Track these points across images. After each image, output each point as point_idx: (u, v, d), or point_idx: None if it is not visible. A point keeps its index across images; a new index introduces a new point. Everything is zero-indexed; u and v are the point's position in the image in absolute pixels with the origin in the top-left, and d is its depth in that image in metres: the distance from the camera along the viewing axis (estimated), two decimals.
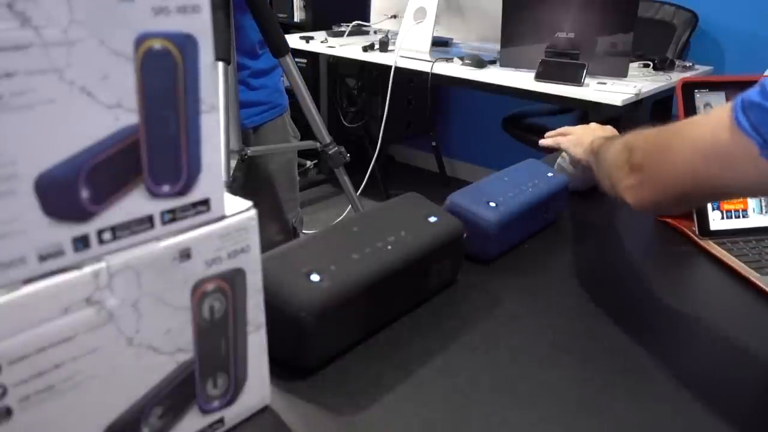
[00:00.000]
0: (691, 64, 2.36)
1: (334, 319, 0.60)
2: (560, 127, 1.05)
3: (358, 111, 3.04)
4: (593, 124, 1.02)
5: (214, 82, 0.45)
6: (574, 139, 0.97)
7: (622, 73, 2.09)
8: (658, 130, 0.66)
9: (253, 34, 1.52)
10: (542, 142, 1.05)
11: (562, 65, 2.09)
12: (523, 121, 2.64)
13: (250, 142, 1.61)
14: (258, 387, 0.54)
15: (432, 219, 0.74)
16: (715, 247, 0.87)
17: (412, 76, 2.39)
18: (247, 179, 1.60)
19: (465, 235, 0.76)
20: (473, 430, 0.55)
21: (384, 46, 2.49)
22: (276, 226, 1.68)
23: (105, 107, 0.39)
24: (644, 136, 0.67)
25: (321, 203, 3.11)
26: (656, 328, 0.71)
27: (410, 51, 2.36)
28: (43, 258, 0.38)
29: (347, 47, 2.60)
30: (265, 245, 0.54)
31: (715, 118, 0.58)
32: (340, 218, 1.82)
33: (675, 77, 2.18)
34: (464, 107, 3.35)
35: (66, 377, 0.40)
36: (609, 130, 0.97)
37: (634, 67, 2.21)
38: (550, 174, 0.92)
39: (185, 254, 0.45)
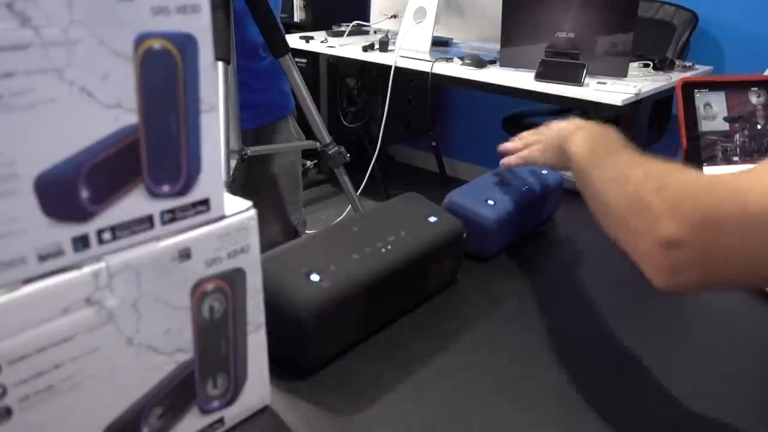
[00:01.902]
0: (691, 64, 2.36)
1: (334, 319, 0.60)
2: None
3: (358, 111, 3.04)
4: (574, 122, 0.77)
5: (214, 82, 0.45)
6: (541, 147, 0.79)
7: (622, 73, 2.09)
8: (698, 186, 0.47)
9: (255, 35, 1.52)
10: (503, 162, 0.85)
11: (562, 65, 2.09)
12: (523, 121, 2.64)
13: (251, 144, 1.60)
14: (258, 387, 0.54)
15: (432, 219, 0.74)
16: None
17: (412, 76, 2.39)
18: (248, 179, 1.60)
19: (464, 235, 0.76)
20: (473, 430, 0.55)
21: (384, 46, 2.49)
22: (278, 228, 1.68)
23: (105, 107, 0.39)
24: (677, 194, 0.47)
25: (321, 203, 3.11)
26: (656, 327, 0.71)
27: (410, 51, 2.36)
28: (42, 258, 0.38)
29: (347, 47, 2.60)
30: (266, 246, 0.54)
31: None
32: (340, 218, 1.82)
33: (675, 77, 2.18)
34: (464, 107, 3.35)
35: (66, 377, 0.40)
36: (587, 127, 0.73)
37: (634, 67, 2.21)
38: (544, 171, 0.93)
39: (185, 254, 0.45)
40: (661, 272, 0.48)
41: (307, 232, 1.80)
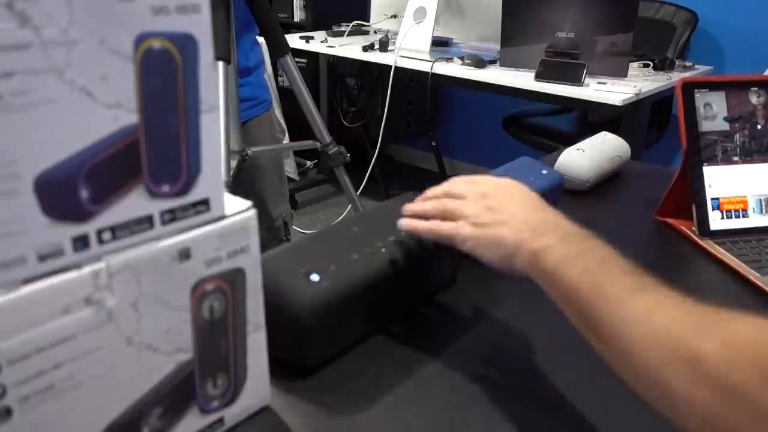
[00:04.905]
0: (691, 63, 2.36)
1: (334, 319, 0.60)
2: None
3: (358, 111, 3.04)
4: (507, 186, 0.62)
5: (214, 82, 0.45)
6: (476, 233, 0.58)
7: (622, 73, 2.09)
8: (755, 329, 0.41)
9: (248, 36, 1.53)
10: (402, 224, 0.65)
11: (562, 65, 2.09)
12: (523, 121, 2.64)
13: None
14: (258, 387, 0.54)
15: None
16: (715, 247, 0.87)
17: (412, 76, 2.39)
18: (237, 173, 1.60)
19: None
20: (473, 430, 0.55)
21: (384, 45, 2.49)
22: (268, 220, 1.68)
23: (105, 107, 0.39)
24: (737, 338, 0.42)
25: (321, 203, 3.11)
26: None
27: (410, 51, 2.36)
28: (42, 258, 0.38)
29: (347, 47, 2.60)
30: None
31: None
32: (340, 218, 1.82)
33: (675, 77, 2.18)
34: (464, 107, 3.35)
35: (66, 377, 0.40)
36: (540, 205, 0.59)
37: (634, 66, 2.21)
38: (544, 171, 0.93)
39: (185, 254, 0.45)
40: (719, 426, 0.40)
41: (304, 230, 1.80)
